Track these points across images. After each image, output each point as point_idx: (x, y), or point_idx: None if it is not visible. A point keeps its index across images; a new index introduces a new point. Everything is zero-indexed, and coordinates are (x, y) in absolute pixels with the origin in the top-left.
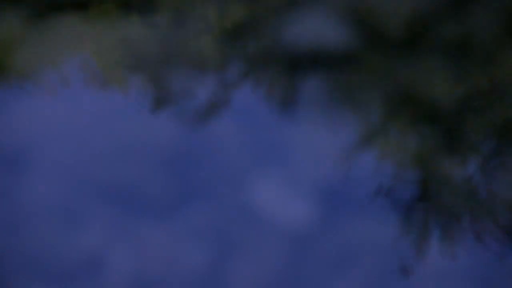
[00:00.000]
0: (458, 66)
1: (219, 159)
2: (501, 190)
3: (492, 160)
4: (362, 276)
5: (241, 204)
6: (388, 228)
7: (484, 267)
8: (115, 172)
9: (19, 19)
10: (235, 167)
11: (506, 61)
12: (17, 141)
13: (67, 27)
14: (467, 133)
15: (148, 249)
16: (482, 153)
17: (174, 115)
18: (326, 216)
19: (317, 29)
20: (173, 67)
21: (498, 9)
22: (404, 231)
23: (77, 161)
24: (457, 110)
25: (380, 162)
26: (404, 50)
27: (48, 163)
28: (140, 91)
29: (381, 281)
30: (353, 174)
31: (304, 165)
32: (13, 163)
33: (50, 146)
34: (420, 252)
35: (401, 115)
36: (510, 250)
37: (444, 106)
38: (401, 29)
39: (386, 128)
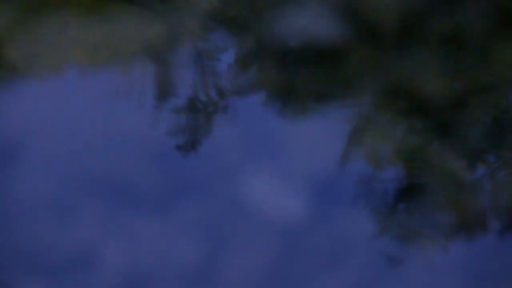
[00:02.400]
0: (451, 60)
1: (212, 153)
2: (494, 184)
3: (485, 154)
4: (354, 270)
5: (233, 198)
6: (380, 222)
7: (477, 262)
8: (107, 167)
9: (9, 14)
10: (228, 161)
11: (499, 55)
12: (9, 135)
13: (58, 21)
14: (460, 127)
15: (140, 243)
16: (475, 147)
17: (166, 109)
18: (318, 210)
19: (309, 23)
20: (165, 61)
21: (491, 3)
22: (396, 226)
23: (69, 155)
24: (450, 104)
25: (372, 156)
26: (396, 44)
27: (39, 157)
28: (132, 85)
29: (373, 276)
30: (345, 168)
31: (297, 159)
32: (4, 157)
33: (42, 141)
34: (412, 246)
35: (394, 109)
36: (502, 244)
37: (437, 100)
38: (393, 23)
39: (378, 122)
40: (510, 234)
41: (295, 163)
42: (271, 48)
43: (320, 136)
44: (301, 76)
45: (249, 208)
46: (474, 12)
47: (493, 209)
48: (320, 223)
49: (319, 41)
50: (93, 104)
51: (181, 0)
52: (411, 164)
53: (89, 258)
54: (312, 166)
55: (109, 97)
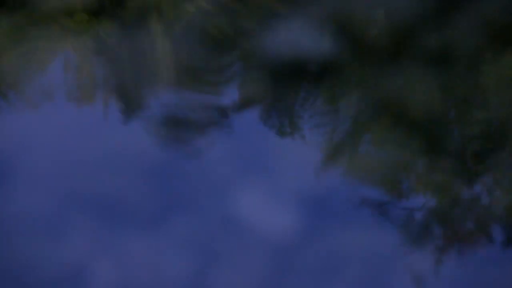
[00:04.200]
0: (440, 75)
1: (203, 169)
2: (484, 198)
3: (475, 169)
4: (346, 286)
5: (224, 214)
6: (372, 237)
7: (470, 276)
8: (98, 184)
9: (1, 30)
10: (219, 177)
11: (488, 70)
12: (0, 152)
13: (50, 39)
14: (450, 142)
15: (131, 260)
16: (465, 161)
17: (157, 126)
18: (309, 226)
19: (300, 39)
20: (155, 78)
21: (479, 19)
22: (388, 240)
23: (59, 173)
24: (439, 119)
25: (363, 172)
26: (386, 60)
27: (30, 175)
28: (122, 102)
29: None
30: (336, 184)
31: (288, 175)
32: None
33: (32, 158)
34: (405, 261)
35: (384, 125)
36: (494, 257)
37: (427, 115)
38: (383, 39)
39: (369, 137)
40: (501, 247)
41: (286, 179)
42: (260, 64)
43: (310, 152)
44: (291, 92)
45: (240, 224)
46: (464, 28)
47: (484, 222)
48: (312, 239)
49: (309, 56)
50: (83, 122)
51: (171, 16)
52: (401, 179)
53: (80, 275)
54: (303, 182)
55: (99, 115)
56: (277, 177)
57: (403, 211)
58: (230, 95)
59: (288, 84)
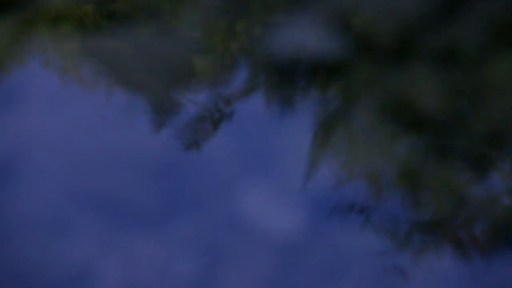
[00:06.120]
0: (447, 74)
1: (208, 168)
2: (489, 198)
3: (483, 168)
4: (352, 285)
5: (230, 214)
6: (378, 238)
7: (472, 276)
8: (103, 183)
9: (4, 29)
10: (224, 176)
11: (494, 69)
12: (4, 151)
13: (55, 37)
14: (457, 141)
15: (137, 260)
16: (472, 161)
17: (163, 126)
18: (316, 226)
19: (305, 37)
20: (161, 77)
21: (486, 17)
22: (393, 241)
23: (65, 171)
24: (446, 119)
25: (369, 171)
26: (392, 58)
27: (36, 173)
28: (129, 102)
29: None
30: (342, 184)
31: (293, 174)
32: (0, 173)
33: (38, 157)
34: (411, 262)
35: (390, 124)
36: (497, 258)
37: (434, 114)
38: (389, 38)
39: (375, 136)
40: (509, 249)
41: (292, 179)
42: (265, 63)
43: (316, 151)
44: (296, 92)
45: (246, 224)
46: (470, 27)
47: (492, 224)
48: (318, 239)
49: (315, 55)
50: (89, 120)
51: (174, 17)
52: (409, 179)
53: (85, 275)
54: (310, 182)
55: (104, 113)
56: (283, 177)
57: (410, 212)
58: (233, 94)
59: (293, 84)
